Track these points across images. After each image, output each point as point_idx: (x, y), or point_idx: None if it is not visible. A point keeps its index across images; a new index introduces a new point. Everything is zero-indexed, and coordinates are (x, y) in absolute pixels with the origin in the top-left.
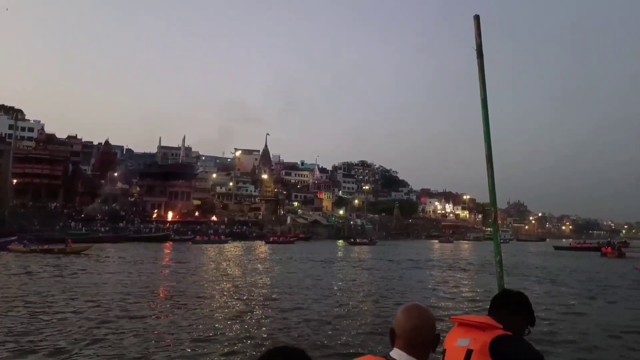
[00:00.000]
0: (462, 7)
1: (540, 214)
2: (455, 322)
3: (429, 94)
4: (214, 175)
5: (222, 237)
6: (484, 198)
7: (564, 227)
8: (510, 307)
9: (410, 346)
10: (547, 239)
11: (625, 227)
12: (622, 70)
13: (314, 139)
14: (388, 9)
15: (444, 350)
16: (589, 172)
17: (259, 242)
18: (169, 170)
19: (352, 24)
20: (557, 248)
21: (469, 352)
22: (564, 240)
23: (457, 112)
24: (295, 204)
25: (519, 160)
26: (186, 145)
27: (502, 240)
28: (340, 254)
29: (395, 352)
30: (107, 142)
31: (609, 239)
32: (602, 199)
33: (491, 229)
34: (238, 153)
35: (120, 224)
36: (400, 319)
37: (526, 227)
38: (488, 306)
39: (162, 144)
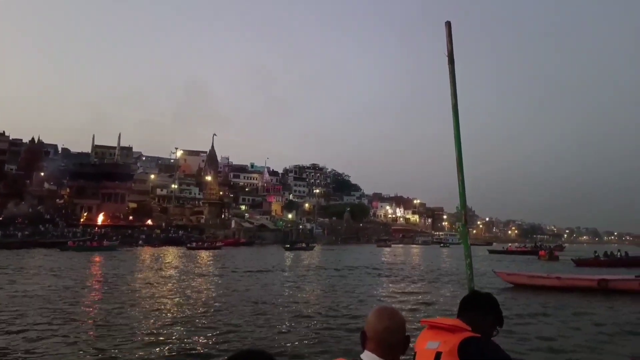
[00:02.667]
0: (436, 12)
1: (487, 219)
2: (425, 324)
3: (387, 98)
4: (152, 177)
5: (105, 242)
6: (433, 202)
7: (509, 232)
8: (478, 308)
9: (381, 348)
10: (494, 243)
11: (567, 231)
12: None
13: (265, 141)
14: (362, 13)
15: (414, 353)
16: (535, 179)
17: (176, 249)
18: (102, 171)
19: (322, 24)
20: (491, 252)
21: (438, 355)
22: (510, 244)
23: (415, 117)
24: (243, 207)
25: (468, 166)
26: (128, 145)
27: (447, 244)
28: (273, 261)
29: (366, 355)
30: (33, 139)
31: (541, 243)
32: (546, 205)
33: (440, 234)
34: (180, 153)
35: (42, 228)
36: (371, 321)
37: (474, 231)
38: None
39: (107, 143)
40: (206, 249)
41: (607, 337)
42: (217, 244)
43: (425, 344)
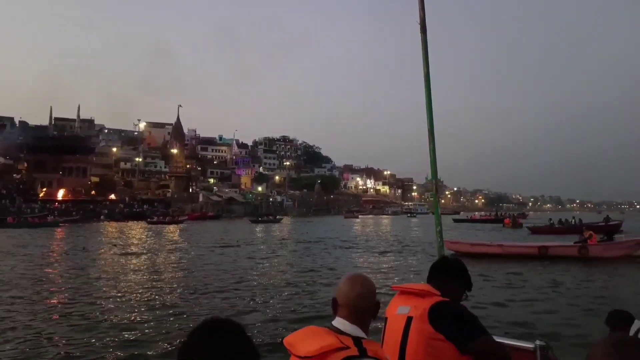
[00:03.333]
0: None
1: (455, 189)
2: (396, 290)
3: (359, 69)
4: (115, 150)
5: (49, 217)
6: (403, 173)
7: (477, 201)
8: (447, 273)
9: (352, 314)
10: (461, 212)
11: (532, 200)
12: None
13: (234, 113)
14: None
15: (386, 319)
16: (502, 150)
17: (137, 224)
18: (61, 144)
19: None
20: (455, 221)
21: (409, 319)
22: (476, 213)
23: (386, 88)
24: (212, 180)
25: (438, 137)
26: (90, 117)
27: (414, 214)
28: (238, 235)
29: (337, 321)
30: None
31: (502, 212)
32: (512, 175)
33: (409, 204)
34: (143, 125)
35: None
36: (342, 288)
37: (442, 201)
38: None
39: (67, 116)
40: (168, 223)
41: (543, 301)
42: (179, 218)
43: (397, 309)
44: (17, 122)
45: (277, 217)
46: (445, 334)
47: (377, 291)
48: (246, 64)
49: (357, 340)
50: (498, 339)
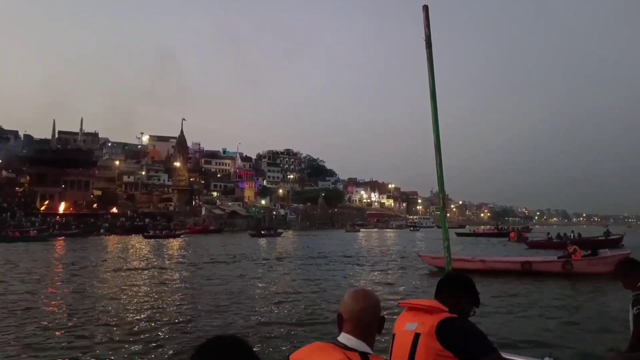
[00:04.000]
0: None
1: (460, 202)
2: (404, 306)
3: (363, 82)
4: (117, 163)
5: (32, 231)
6: (408, 187)
7: (482, 214)
8: (455, 289)
9: (357, 329)
10: (467, 226)
11: (538, 213)
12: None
13: (238, 125)
14: None
15: (393, 335)
16: (508, 163)
17: (136, 237)
18: (64, 157)
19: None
20: (458, 235)
21: (416, 336)
22: (481, 227)
23: (391, 102)
24: (215, 194)
25: (444, 151)
26: (94, 131)
27: (418, 228)
28: (235, 250)
29: (343, 337)
30: None
31: (503, 226)
32: (518, 188)
33: (414, 217)
34: (146, 138)
35: None
36: (347, 303)
37: (448, 214)
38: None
39: (71, 129)
40: (165, 237)
41: (524, 318)
42: (177, 232)
43: (405, 326)
44: (21, 136)
45: (279, 230)
46: (453, 350)
47: (387, 309)
48: (250, 73)
49: (364, 356)
50: (506, 356)
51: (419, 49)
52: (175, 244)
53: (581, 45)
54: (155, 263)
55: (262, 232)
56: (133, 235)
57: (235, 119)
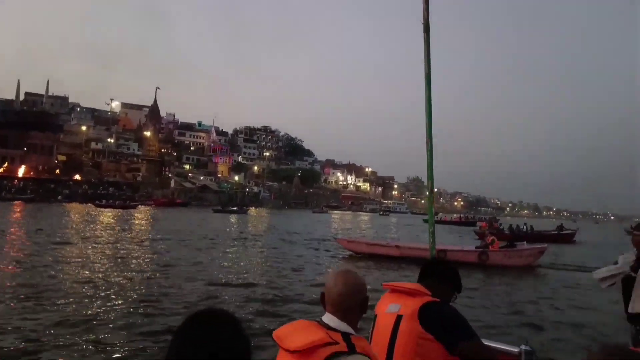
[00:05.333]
0: None
1: (435, 190)
2: (387, 288)
3: (349, 64)
4: (84, 128)
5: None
6: (385, 172)
7: (455, 203)
8: (438, 275)
9: (340, 311)
10: (440, 213)
11: (510, 205)
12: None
13: (220, 99)
14: None
15: (375, 316)
16: (484, 154)
17: (86, 206)
18: (27, 119)
19: None
20: (425, 221)
21: (398, 318)
22: (454, 215)
23: (380, 89)
24: (187, 167)
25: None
26: (64, 94)
27: (388, 212)
28: (195, 226)
29: (326, 317)
30: None
31: (469, 215)
32: (492, 179)
33: (389, 202)
34: (115, 104)
35: None
36: (328, 285)
37: (422, 201)
38: None
39: (39, 91)
40: (118, 207)
41: None
42: (132, 203)
43: (386, 307)
44: None
45: (244, 208)
46: (434, 334)
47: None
48: (242, 48)
49: (345, 336)
50: (484, 342)
51: (411, 36)
52: (127, 215)
53: (575, 44)
54: (87, 235)
55: (226, 208)
56: (89, 204)
57: (217, 93)
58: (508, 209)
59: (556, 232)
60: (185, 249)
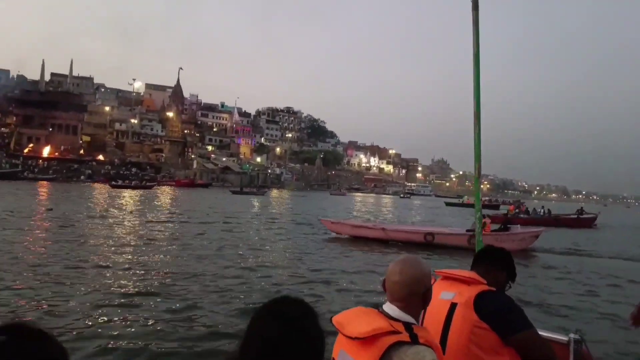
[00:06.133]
0: None
1: (461, 172)
2: (439, 275)
3: (374, 44)
4: (107, 109)
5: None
6: (409, 154)
7: (482, 186)
8: (493, 262)
9: (400, 300)
10: (465, 196)
11: (537, 188)
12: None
13: (244, 81)
14: None
15: None
16: (513, 136)
17: (105, 186)
18: (51, 99)
19: None
20: (447, 204)
21: (453, 305)
22: (466, 197)
23: (402, 65)
24: (210, 148)
25: (445, 119)
26: (89, 75)
27: (409, 195)
28: (212, 207)
29: (387, 306)
30: None
31: (490, 198)
32: (520, 161)
33: (412, 185)
34: (138, 85)
35: None
36: (389, 273)
37: (447, 184)
38: None
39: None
40: (134, 187)
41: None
42: (148, 183)
43: (439, 294)
44: (14, 76)
45: (263, 189)
46: (490, 323)
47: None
48: (265, 27)
49: (407, 326)
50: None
51: (439, 11)
52: (145, 195)
53: (608, 24)
54: (93, 214)
55: (244, 189)
56: (106, 184)
57: (240, 74)
58: (535, 192)
59: (575, 216)
60: (175, 228)
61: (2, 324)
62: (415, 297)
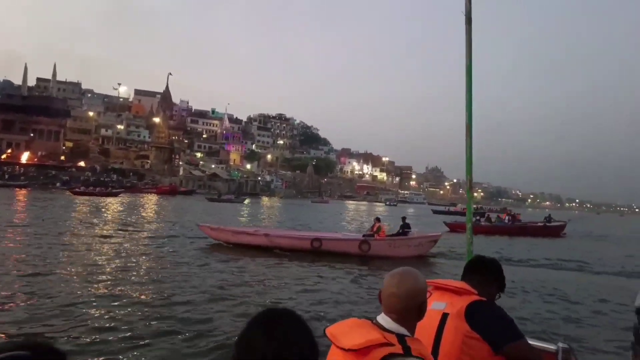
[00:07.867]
0: None
1: (455, 180)
2: (430, 285)
3: (368, 53)
4: (92, 114)
5: None
6: (403, 162)
7: (475, 194)
8: (483, 272)
9: (395, 312)
10: (459, 204)
11: (531, 196)
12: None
13: (235, 88)
14: None
15: None
16: (507, 145)
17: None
18: (32, 104)
19: None
20: (435, 212)
21: (444, 316)
22: (458, 205)
23: (394, 74)
24: (199, 154)
25: (439, 128)
26: (76, 80)
27: (396, 203)
28: (172, 217)
29: (381, 317)
30: None
31: (481, 206)
32: (514, 170)
33: (405, 193)
34: (123, 89)
35: None
36: (385, 284)
37: (441, 192)
38: None
39: (68, 78)
40: (99, 195)
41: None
42: (114, 190)
43: (430, 304)
44: (1, 80)
45: (242, 197)
46: (481, 333)
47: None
48: (272, 36)
49: (400, 338)
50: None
51: (433, 26)
52: (101, 204)
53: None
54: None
55: (223, 197)
56: (67, 191)
57: (236, 83)
58: (529, 200)
59: (542, 223)
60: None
61: (28, 342)
62: (411, 310)
